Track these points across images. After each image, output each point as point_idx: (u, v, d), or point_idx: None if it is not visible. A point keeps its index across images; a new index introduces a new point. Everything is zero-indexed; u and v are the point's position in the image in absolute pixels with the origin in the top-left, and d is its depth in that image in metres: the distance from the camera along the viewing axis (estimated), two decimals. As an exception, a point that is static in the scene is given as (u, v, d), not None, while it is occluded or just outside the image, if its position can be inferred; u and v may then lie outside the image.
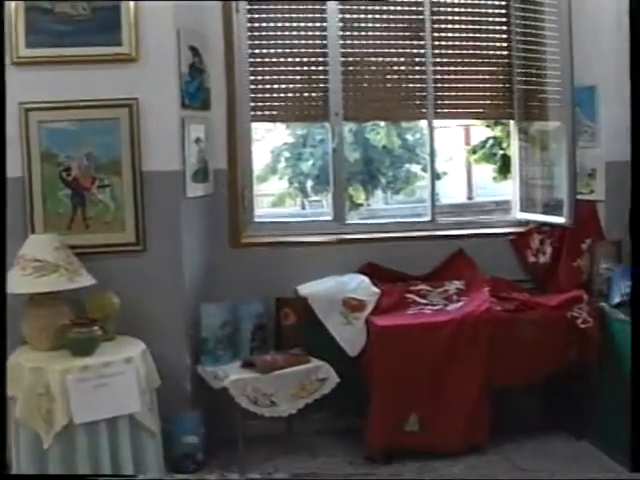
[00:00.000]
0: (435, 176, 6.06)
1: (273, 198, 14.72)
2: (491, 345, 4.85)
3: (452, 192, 13.44)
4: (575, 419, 5.15)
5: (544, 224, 5.70)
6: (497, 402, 4.89)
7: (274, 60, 5.48)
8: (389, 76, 5.63)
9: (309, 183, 14.20)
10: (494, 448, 4.90)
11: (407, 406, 4.77)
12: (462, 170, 14.14)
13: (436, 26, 5.64)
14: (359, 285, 5.12)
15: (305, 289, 5.09)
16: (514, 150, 6.05)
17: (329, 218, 5.71)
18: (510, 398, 5.08)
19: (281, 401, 4.67)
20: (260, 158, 13.44)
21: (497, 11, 5.75)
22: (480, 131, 10.47)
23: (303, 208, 14.51)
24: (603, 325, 5.02)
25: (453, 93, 5.74)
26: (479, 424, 4.85)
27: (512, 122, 5.98)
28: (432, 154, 5.92)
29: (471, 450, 4.82)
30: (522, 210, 5.94)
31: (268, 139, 14.23)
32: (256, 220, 5.58)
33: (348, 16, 5.51)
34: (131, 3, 4.66)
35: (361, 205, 13.37)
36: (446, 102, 5.74)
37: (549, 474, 4.61)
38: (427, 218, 5.86)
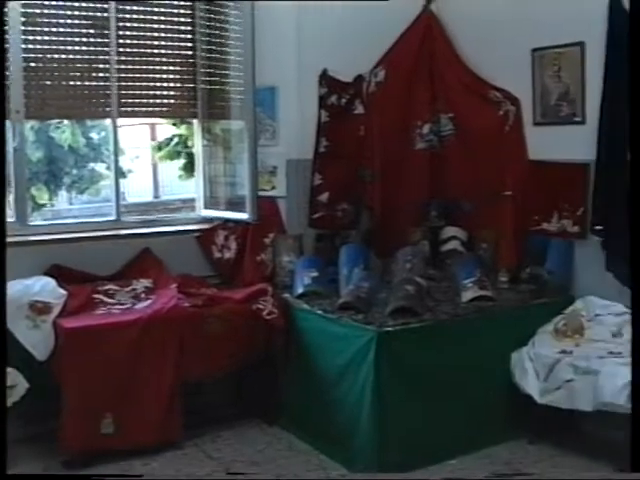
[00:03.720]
0: (120, 175, 6.01)
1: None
2: (181, 341, 4.91)
3: (139, 191, 13.36)
4: (266, 406, 5.34)
5: (228, 220, 5.84)
6: (191, 396, 4.97)
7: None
8: (72, 74, 5.51)
9: (-10, 184, 13.46)
10: (190, 441, 4.98)
11: (101, 407, 4.70)
12: (148, 168, 14.06)
13: (121, 24, 5.60)
14: (44, 287, 4.98)
15: (-12, 294, 4.88)
16: (198, 148, 6.14)
17: (12, 220, 5.49)
18: (203, 391, 5.18)
19: (-32, 412, 4.45)
20: None
21: (182, 11, 5.83)
22: (166, 129, 10.45)
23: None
24: (287, 315, 5.23)
25: (137, 92, 5.73)
26: (173, 419, 4.89)
27: (196, 121, 6.07)
28: (116, 153, 5.87)
29: (168, 445, 4.86)
30: (207, 207, 6.05)
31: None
32: None
33: (30, 11, 5.32)
34: None
35: (44, 206, 12.93)
36: (130, 101, 5.72)
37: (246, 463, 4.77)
38: (112, 217, 5.81)
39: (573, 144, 5.26)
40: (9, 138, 5.39)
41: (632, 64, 3.18)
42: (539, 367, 4.77)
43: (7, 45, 5.21)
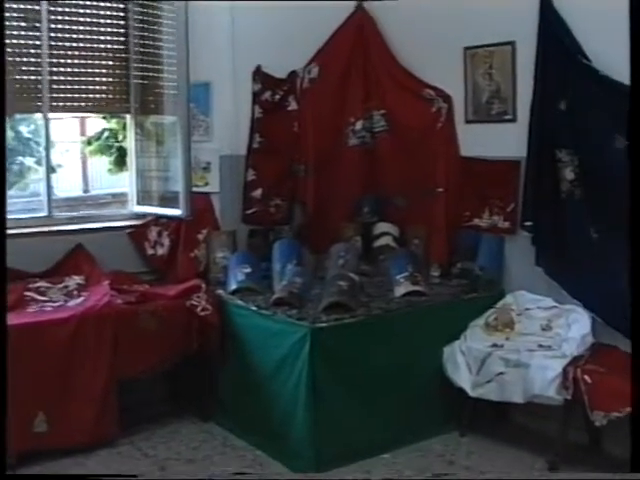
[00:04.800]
0: (50, 169, 5.91)
1: None
2: (115, 338, 4.87)
3: (68, 185, 13.14)
4: (201, 402, 5.34)
5: (161, 216, 5.81)
6: (125, 393, 4.93)
7: None
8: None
9: None
10: (125, 439, 4.94)
11: (34, 406, 4.63)
12: (77, 162, 13.84)
13: (53, 17, 5.51)
14: (-26, 286, 4.90)
15: None
16: (130, 143, 6.09)
17: (-62, 217, 5.37)
18: (138, 388, 5.14)
19: None
20: None
21: (115, 5, 5.76)
22: (96, 122, 10.32)
23: None
24: (222, 311, 5.23)
25: (69, 86, 5.65)
26: (108, 417, 4.85)
27: (129, 116, 6.02)
28: (48, 148, 5.78)
29: (102, 443, 4.81)
30: (139, 203, 6.01)
31: None
32: None
33: (-43, 3, 5.23)
34: None
35: (-29, 201, 12.60)
36: (62, 95, 5.64)
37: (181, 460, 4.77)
38: (44, 213, 5.72)
39: (504, 141, 5.35)
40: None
41: (632, 62, 3.22)
42: (471, 361, 4.85)
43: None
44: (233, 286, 5.31)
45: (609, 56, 4.66)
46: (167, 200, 5.79)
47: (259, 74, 5.77)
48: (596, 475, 4.11)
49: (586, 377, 4.33)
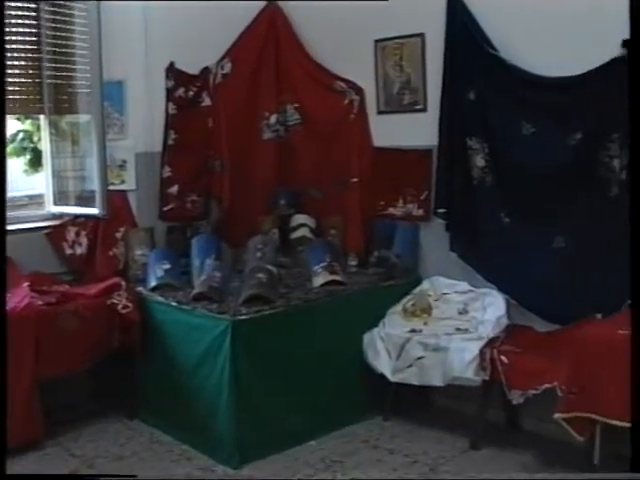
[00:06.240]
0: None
1: None
2: (36, 339, 4.82)
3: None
4: (125, 400, 5.34)
5: (79, 216, 5.77)
6: (49, 394, 4.89)
7: None
8: None
9: None
10: (52, 440, 4.92)
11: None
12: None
13: (-40, 17, 5.41)
14: None
15: None
16: (45, 144, 6.01)
17: None
18: (62, 388, 5.11)
19: None
20: None
21: (26, 5, 5.65)
22: (10, 124, 10.17)
23: None
24: (142, 308, 5.23)
25: (-20, 88, 5.57)
26: (33, 419, 4.81)
27: (42, 116, 5.95)
28: (-34, 152, 5.69)
29: (29, 446, 4.76)
30: (56, 203, 5.94)
31: None
32: None
33: None
34: None
35: None
36: (-25, 98, 5.56)
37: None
38: (-40, 217, 5.63)
39: (416, 131, 5.46)
40: None
41: (632, 62, 3.27)
42: (390, 347, 4.94)
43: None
44: (153, 283, 5.32)
45: (516, 45, 4.79)
46: (84, 199, 5.75)
47: (172, 71, 5.77)
48: (597, 475, 4.19)
49: (502, 357, 4.47)
